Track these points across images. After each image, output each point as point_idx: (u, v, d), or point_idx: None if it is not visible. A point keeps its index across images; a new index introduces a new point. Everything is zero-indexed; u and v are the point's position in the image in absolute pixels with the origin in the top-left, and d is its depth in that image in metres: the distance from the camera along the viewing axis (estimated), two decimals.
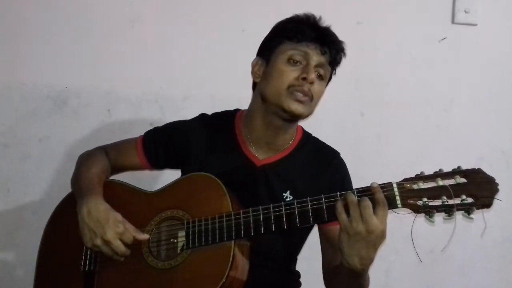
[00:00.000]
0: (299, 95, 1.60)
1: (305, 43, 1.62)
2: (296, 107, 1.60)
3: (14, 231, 2.12)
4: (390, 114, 2.28)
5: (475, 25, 2.31)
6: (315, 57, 1.62)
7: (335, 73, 1.75)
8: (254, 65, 1.72)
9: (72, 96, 2.15)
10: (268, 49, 1.69)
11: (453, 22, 2.31)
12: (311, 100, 1.63)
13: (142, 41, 2.19)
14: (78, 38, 2.16)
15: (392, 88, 2.29)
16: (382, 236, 1.36)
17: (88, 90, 2.16)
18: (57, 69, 2.15)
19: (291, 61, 1.62)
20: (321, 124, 2.03)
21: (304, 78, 1.60)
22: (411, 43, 2.30)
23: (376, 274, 2.23)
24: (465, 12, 2.29)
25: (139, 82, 2.18)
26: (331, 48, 1.66)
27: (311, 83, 1.60)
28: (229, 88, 2.10)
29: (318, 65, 1.64)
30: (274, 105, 1.63)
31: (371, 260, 1.39)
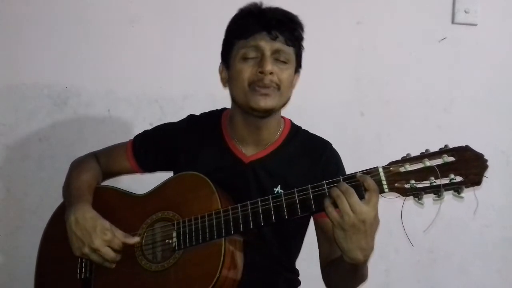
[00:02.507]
0: (262, 90, 1.57)
1: (252, 36, 1.59)
2: (263, 102, 1.58)
3: (14, 231, 2.13)
4: (390, 114, 2.28)
5: (475, 25, 2.31)
6: (267, 46, 1.58)
7: (303, 48, 1.69)
8: (220, 71, 1.73)
9: (72, 96, 2.15)
10: (226, 54, 1.68)
11: (453, 22, 2.31)
12: (279, 88, 1.60)
13: (142, 41, 2.19)
14: (78, 38, 2.16)
15: (392, 88, 2.29)
16: (375, 221, 1.35)
17: (88, 90, 2.16)
18: (57, 69, 2.15)
19: (246, 59, 1.59)
20: (321, 124, 2.03)
21: (261, 72, 1.57)
22: (411, 43, 2.30)
23: (376, 274, 2.24)
24: (465, 12, 2.29)
25: (139, 82, 2.18)
26: (281, 29, 1.60)
27: (271, 73, 1.57)
28: None
29: (274, 52, 1.59)
30: (243, 106, 1.62)
31: (371, 249, 1.38)
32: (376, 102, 2.28)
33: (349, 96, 2.27)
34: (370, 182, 1.33)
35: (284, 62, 1.61)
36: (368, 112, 2.28)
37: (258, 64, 1.58)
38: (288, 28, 1.61)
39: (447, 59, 2.31)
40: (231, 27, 1.67)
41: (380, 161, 2.25)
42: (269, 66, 1.56)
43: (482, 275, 2.31)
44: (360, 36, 2.27)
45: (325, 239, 1.69)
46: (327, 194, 1.38)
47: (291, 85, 1.67)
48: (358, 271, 1.49)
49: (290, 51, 1.62)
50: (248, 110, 1.61)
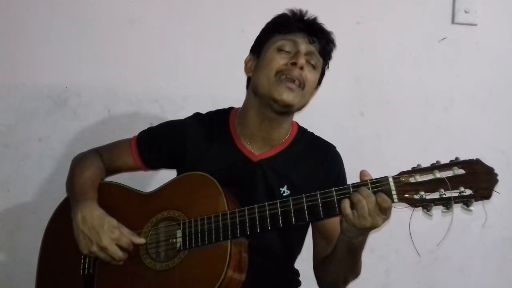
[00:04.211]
0: (288, 83, 1.60)
1: (293, 33, 1.65)
2: (286, 95, 1.60)
3: (14, 231, 2.12)
4: (390, 114, 2.28)
5: (475, 25, 2.31)
6: (304, 45, 1.64)
7: (327, 67, 1.76)
8: (247, 61, 1.75)
9: (72, 96, 2.15)
10: (259, 45, 1.72)
11: (453, 22, 2.31)
12: (303, 88, 1.63)
13: (142, 41, 2.19)
14: (78, 38, 2.16)
15: (392, 88, 2.29)
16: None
17: (88, 90, 2.16)
18: (57, 69, 2.15)
19: (281, 51, 1.64)
20: (321, 124, 2.03)
21: (293, 63, 1.61)
22: (411, 43, 2.30)
23: (376, 274, 2.23)
24: (465, 12, 2.29)
25: (139, 82, 2.18)
26: (319, 37, 1.68)
27: (301, 68, 1.61)
28: (229, 88, 2.10)
29: (308, 53, 1.65)
30: (265, 97, 1.63)
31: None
32: (376, 102, 2.28)
33: (349, 96, 2.27)
34: (387, 201, 1.36)
35: (313, 67, 1.67)
36: (368, 112, 2.28)
37: (291, 57, 1.62)
38: (325, 39, 1.69)
39: (447, 59, 2.31)
40: (273, 21, 1.72)
41: (380, 161, 2.26)
42: (302, 60, 1.61)
43: (482, 275, 2.30)
44: (360, 36, 2.27)
45: (322, 237, 1.71)
46: (335, 201, 1.40)
47: (312, 91, 1.71)
48: (355, 253, 1.52)
49: (320, 60, 1.69)
50: (268, 102, 1.63)
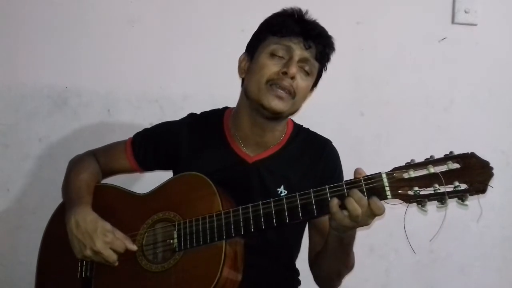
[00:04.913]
0: (278, 91, 1.58)
1: (288, 37, 1.60)
2: (275, 103, 1.58)
3: (14, 231, 2.12)
4: (390, 114, 2.28)
5: (475, 25, 2.31)
6: (298, 51, 1.60)
7: (325, 70, 1.72)
8: (240, 61, 1.72)
9: (72, 96, 2.15)
10: (253, 45, 1.68)
11: (453, 22, 2.31)
12: (293, 96, 1.60)
13: (142, 41, 2.19)
14: (78, 38, 2.16)
15: (392, 88, 2.29)
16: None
17: (88, 90, 2.16)
18: (57, 69, 2.15)
19: (274, 56, 1.60)
20: (321, 124, 2.03)
21: (284, 73, 1.57)
22: (411, 43, 2.30)
23: (376, 274, 2.24)
24: (465, 12, 2.29)
25: (139, 82, 2.18)
26: (316, 42, 1.62)
27: (292, 78, 1.58)
28: (229, 88, 2.08)
29: (302, 60, 1.61)
30: (254, 102, 1.61)
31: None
32: (376, 102, 2.28)
33: (349, 96, 2.27)
34: (381, 209, 1.36)
35: (307, 73, 1.63)
36: (368, 112, 2.28)
37: (283, 65, 1.59)
38: (323, 44, 1.64)
39: (447, 59, 2.31)
40: (270, 21, 1.67)
41: (380, 161, 2.26)
42: (294, 70, 1.57)
43: (482, 275, 2.31)
44: (360, 36, 2.27)
45: (317, 233, 1.72)
46: (329, 199, 1.39)
47: (305, 97, 1.68)
48: (346, 246, 1.53)
49: (315, 65, 1.65)
50: (257, 107, 1.61)
